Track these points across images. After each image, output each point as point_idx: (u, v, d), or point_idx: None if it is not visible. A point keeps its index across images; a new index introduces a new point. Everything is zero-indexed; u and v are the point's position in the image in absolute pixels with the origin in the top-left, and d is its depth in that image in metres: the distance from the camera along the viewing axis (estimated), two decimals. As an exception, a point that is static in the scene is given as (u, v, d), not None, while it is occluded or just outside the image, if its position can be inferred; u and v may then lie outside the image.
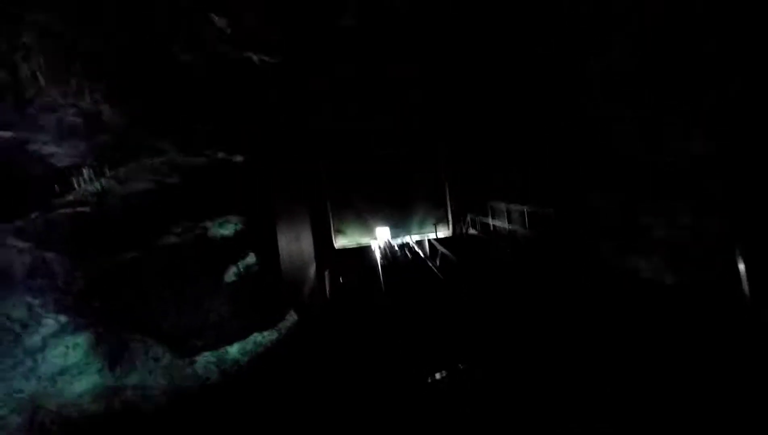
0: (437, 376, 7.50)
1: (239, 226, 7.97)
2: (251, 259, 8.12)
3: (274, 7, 8.58)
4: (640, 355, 6.41)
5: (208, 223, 7.51)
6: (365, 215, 19.89)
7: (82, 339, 6.24)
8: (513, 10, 10.23)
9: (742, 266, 5.99)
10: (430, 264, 16.57)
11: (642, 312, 7.35)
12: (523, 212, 13.41)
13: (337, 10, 9.32)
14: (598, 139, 8.63)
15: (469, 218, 19.88)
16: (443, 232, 20.45)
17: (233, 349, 7.53)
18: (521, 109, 12.85)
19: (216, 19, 7.76)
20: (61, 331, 6.07)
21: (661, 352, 6.31)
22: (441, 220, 20.62)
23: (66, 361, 6.02)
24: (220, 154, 7.98)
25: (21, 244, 5.85)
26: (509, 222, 14.99)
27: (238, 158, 8.12)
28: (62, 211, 6.28)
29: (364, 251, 20.48)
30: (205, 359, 7.21)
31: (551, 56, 9.52)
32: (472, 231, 19.70)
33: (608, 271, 8.38)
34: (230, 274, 7.68)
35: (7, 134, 6.19)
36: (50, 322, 5.98)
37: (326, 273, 16.86)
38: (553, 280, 9.60)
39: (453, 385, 7.21)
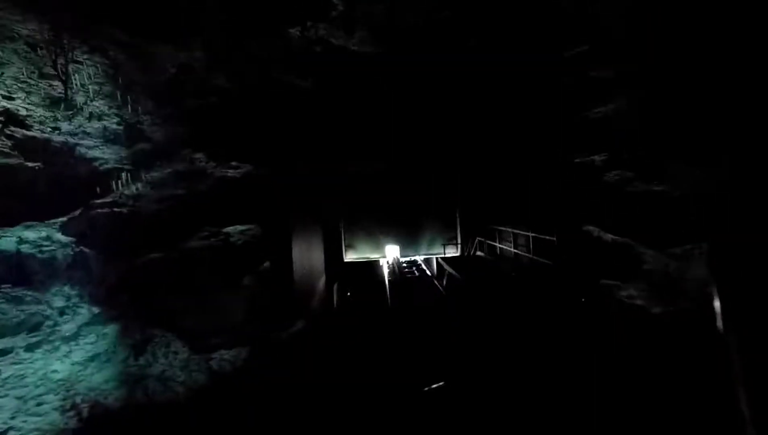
0: (434, 386, 7.85)
1: (258, 235, 8.52)
2: (266, 266, 8.65)
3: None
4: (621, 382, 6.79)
5: (230, 230, 8.07)
6: (376, 232, 20.24)
7: (112, 329, 6.78)
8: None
9: (716, 302, 6.20)
10: (437, 282, 16.90)
11: (630, 340, 7.71)
12: (528, 238, 13.81)
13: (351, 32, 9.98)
14: (594, 173, 9.10)
15: (477, 241, 20.26)
16: (451, 253, 20.78)
17: (245, 349, 8.01)
18: (528, 142, 13.45)
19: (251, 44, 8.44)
20: (94, 320, 6.62)
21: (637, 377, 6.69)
22: (450, 240, 20.93)
23: (96, 348, 6.55)
24: (247, 167, 8.57)
25: (64, 239, 6.44)
26: (515, 246, 15.37)
27: (262, 172, 8.70)
28: (101, 210, 6.87)
29: (373, 266, 20.80)
30: (219, 356, 7.70)
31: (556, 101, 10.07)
32: (479, 253, 20.05)
33: (604, 298, 8.76)
34: (247, 280, 8.21)
35: (59, 138, 6.85)
36: (84, 312, 6.54)
37: (335, 286, 17.29)
38: (553, 305, 9.94)
39: (449, 395, 7.56)
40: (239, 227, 8.16)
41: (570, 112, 9.21)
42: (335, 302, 16.91)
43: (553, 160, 11.09)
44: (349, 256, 20.15)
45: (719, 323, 6.13)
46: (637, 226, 7.95)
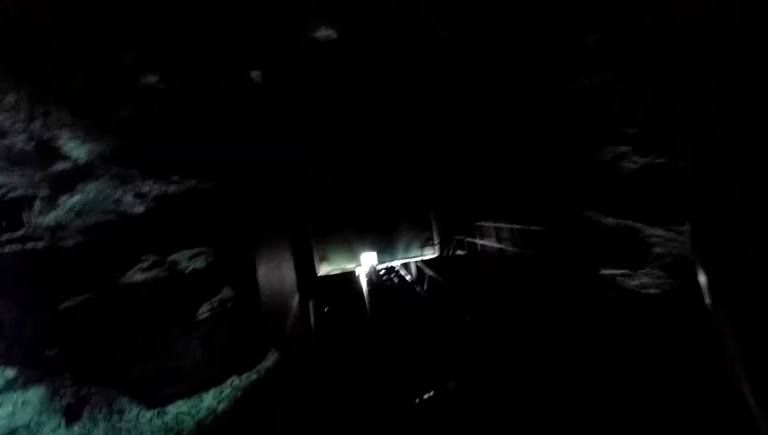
0: (425, 396, 7.49)
1: (212, 259, 7.31)
2: (226, 293, 7.45)
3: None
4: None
5: (177, 256, 6.84)
6: (349, 240, 19.26)
7: (34, 394, 5.48)
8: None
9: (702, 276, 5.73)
10: (417, 288, 16.05)
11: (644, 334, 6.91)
12: (513, 230, 12.97)
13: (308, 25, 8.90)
14: (585, 152, 8.26)
15: (455, 240, 19.44)
16: (430, 255, 19.93)
17: (208, 396, 6.79)
18: (505, 126, 12.49)
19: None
20: (8, 386, 5.31)
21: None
22: (427, 242, 20.09)
23: (13, 421, 5.25)
24: (191, 182, 7.35)
25: (-42, 290, 5.13)
26: (498, 241, 14.53)
27: (208, 185, 7.50)
28: (9, 248, 5.57)
29: (349, 277, 19.85)
30: (176, 409, 6.46)
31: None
32: (459, 252, 19.23)
33: (610, 289, 7.93)
34: (203, 312, 6.99)
35: (-54, 166, 5.53)
36: (-6, 378, 5.22)
37: (310, 303, 16.17)
38: (547, 300, 9.18)
39: (441, 405, 7.24)
40: (186, 253, 6.94)
41: (551, 87, 8.31)
42: (312, 321, 15.80)
43: (536, 143, 10.23)
44: (323, 269, 19.05)
45: (707, 300, 5.54)
46: (642, 205, 7.11)
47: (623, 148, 7.42)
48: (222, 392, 6.96)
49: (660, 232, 6.86)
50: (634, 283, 7.17)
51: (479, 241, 16.55)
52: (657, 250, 6.95)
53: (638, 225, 7.12)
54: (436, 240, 20.05)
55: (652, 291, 6.93)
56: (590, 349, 7.39)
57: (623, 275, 7.37)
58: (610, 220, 7.74)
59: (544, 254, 10.61)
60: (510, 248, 13.28)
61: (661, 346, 6.62)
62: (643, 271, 7.08)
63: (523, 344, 8.24)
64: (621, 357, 6.87)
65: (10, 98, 5.99)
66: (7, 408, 5.25)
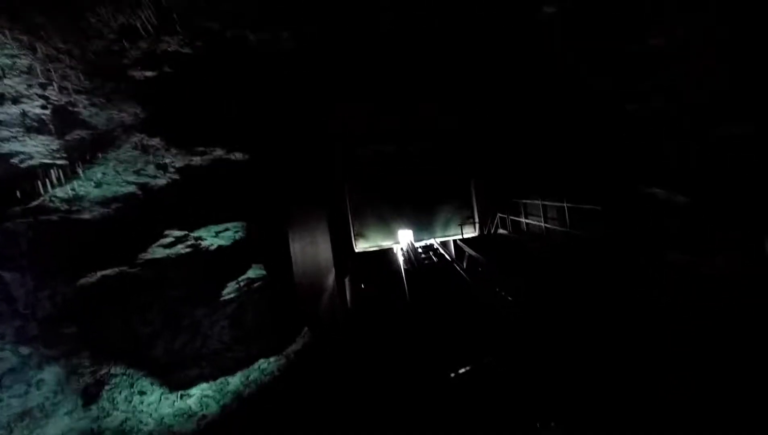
0: (461, 371, 7.40)
1: (241, 234, 6.85)
2: (255, 271, 7.00)
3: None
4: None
5: (202, 232, 6.41)
6: (387, 217, 18.68)
7: (50, 373, 5.18)
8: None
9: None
10: (457, 266, 15.38)
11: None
12: (563, 209, 12.02)
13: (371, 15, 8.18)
14: (656, 126, 7.30)
15: (498, 217, 18.54)
16: (470, 233, 19.14)
17: (235, 379, 6.40)
18: (557, 93, 11.45)
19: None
20: (22, 365, 5.02)
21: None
22: (467, 220, 19.29)
23: (27, 401, 4.96)
24: (218, 152, 6.88)
25: (-31, 263, 4.82)
26: (545, 220, 13.60)
27: (238, 156, 7.01)
28: (23, 220, 5.23)
29: (387, 255, 19.35)
30: (200, 392, 6.10)
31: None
32: (501, 231, 18.36)
33: (677, 274, 7.05)
34: (230, 292, 6.56)
35: (-42, 131, 5.20)
36: (7, 355, 4.93)
37: (346, 280, 15.78)
38: (604, 282, 8.39)
39: (477, 378, 7.16)
40: (213, 228, 6.50)
41: (614, 45, 7.32)
42: (348, 299, 15.42)
43: (593, 110, 9.25)
44: (360, 246, 18.58)
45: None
46: (718, 183, 6.16)
47: (700, 118, 6.45)
48: (249, 376, 6.56)
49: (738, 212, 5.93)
50: (706, 269, 6.27)
51: (523, 220, 15.64)
52: (733, 233, 6.03)
53: (711, 204, 6.20)
54: (476, 218, 19.23)
55: (728, 277, 6.02)
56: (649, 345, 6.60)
57: (693, 260, 6.47)
58: (680, 199, 6.81)
59: (598, 235, 9.71)
60: (558, 228, 12.37)
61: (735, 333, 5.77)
62: (718, 255, 6.17)
63: (567, 331, 7.60)
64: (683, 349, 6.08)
65: (23, 60, 5.60)
66: (22, 387, 4.97)
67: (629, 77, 7.30)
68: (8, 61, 5.45)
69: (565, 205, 11.60)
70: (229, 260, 6.66)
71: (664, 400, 5.63)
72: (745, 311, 5.86)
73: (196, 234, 6.38)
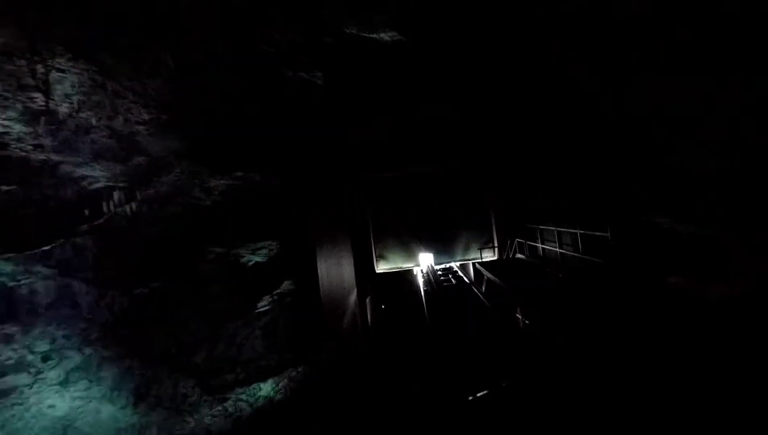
0: (479, 394, 7.59)
1: (274, 252, 7.52)
2: (287, 286, 7.64)
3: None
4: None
5: (241, 250, 7.09)
6: (407, 240, 19.30)
7: (107, 373, 5.85)
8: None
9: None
10: (475, 289, 15.81)
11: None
12: (576, 235, 12.47)
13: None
14: (660, 154, 7.77)
15: (516, 242, 19.00)
16: (488, 257, 19.59)
17: (266, 386, 7.00)
18: (567, 126, 12.00)
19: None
20: (85, 364, 5.70)
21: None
22: (486, 244, 19.77)
23: (88, 394, 5.63)
24: (256, 177, 7.60)
25: (45, 271, 5.55)
26: (560, 246, 14.03)
27: (274, 180, 7.71)
28: (90, 236, 5.97)
29: (407, 276, 19.87)
30: (236, 396, 6.71)
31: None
32: (519, 256, 18.78)
33: (681, 300, 7.44)
34: (264, 305, 7.21)
35: (40, 156, 6.00)
36: (73, 355, 5.62)
37: (368, 299, 16.31)
38: (610, 307, 8.78)
39: (494, 402, 7.31)
40: (250, 246, 7.17)
41: (618, 80, 7.87)
42: (369, 318, 15.94)
43: (600, 145, 9.77)
44: (381, 267, 19.19)
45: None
46: (720, 211, 6.59)
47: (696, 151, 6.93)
48: (279, 383, 7.15)
49: (739, 239, 6.35)
50: (708, 292, 6.67)
51: (540, 245, 16.07)
52: (736, 258, 6.45)
53: (714, 232, 6.62)
54: (495, 242, 19.68)
55: (728, 300, 6.42)
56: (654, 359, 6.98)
57: (695, 284, 6.88)
58: (682, 227, 7.25)
59: (607, 260, 10.14)
60: (572, 253, 12.79)
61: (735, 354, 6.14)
62: (719, 279, 6.58)
63: (582, 351, 7.95)
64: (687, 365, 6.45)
65: (95, 97, 6.44)
66: (84, 383, 5.64)
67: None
68: (83, 98, 6.27)
69: (578, 231, 12.05)
70: (264, 275, 7.31)
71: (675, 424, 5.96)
72: (746, 334, 6.24)
73: (235, 251, 7.06)
